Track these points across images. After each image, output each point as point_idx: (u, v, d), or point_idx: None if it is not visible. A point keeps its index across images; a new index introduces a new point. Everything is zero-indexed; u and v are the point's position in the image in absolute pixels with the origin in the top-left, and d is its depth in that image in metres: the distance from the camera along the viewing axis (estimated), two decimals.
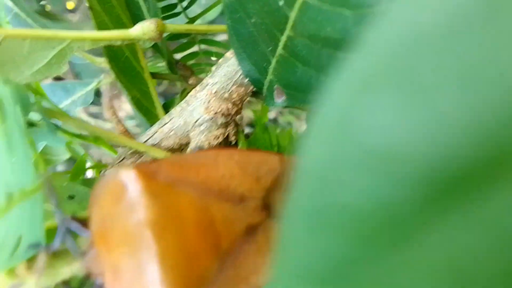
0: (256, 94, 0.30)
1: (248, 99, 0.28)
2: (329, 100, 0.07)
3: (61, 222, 0.17)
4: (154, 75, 0.33)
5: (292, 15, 0.20)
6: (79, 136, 0.29)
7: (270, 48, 0.24)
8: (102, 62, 0.38)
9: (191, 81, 0.32)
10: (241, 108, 0.28)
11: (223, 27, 0.29)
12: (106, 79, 0.39)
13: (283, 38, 0.22)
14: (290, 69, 0.23)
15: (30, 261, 0.17)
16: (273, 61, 0.24)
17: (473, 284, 0.06)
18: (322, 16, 0.19)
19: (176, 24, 0.31)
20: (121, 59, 0.30)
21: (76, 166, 0.25)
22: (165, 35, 0.35)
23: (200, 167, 0.17)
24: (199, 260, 0.15)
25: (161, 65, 0.37)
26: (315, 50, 0.21)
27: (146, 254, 0.14)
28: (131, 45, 0.31)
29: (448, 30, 0.06)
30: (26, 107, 0.23)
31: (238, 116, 0.28)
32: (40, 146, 0.31)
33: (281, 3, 0.20)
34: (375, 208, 0.06)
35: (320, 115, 0.07)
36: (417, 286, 0.06)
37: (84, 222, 0.17)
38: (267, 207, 0.17)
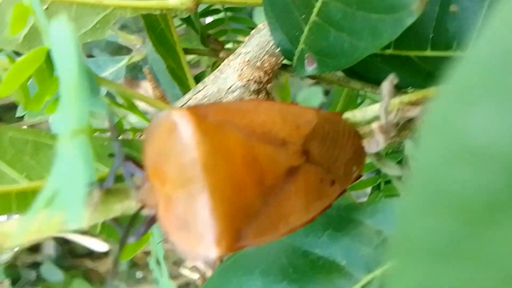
0: (285, 67, 0.31)
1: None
2: (437, 108, 0.08)
3: (118, 152, 0.18)
4: (185, 50, 0.34)
5: None
6: (115, 103, 0.30)
7: (304, 16, 0.25)
8: (134, 39, 0.39)
9: (221, 54, 0.33)
10: (271, 78, 0.29)
11: (257, 0, 0.31)
12: (136, 56, 0.41)
13: (318, 4, 0.24)
14: (323, 35, 0.25)
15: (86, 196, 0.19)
16: (306, 29, 0.26)
17: None
18: None
19: None
20: (157, 30, 0.31)
21: (116, 125, 0.27)
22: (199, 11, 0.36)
23: (244, 113, 0.18)
24: (245, 193, 0.16)
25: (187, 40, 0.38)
26: (349, 13, 0.22)
27: (198, 185, 0.16)
28: (165, 19, 0.33)
29: None
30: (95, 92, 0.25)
31: (269, 85, 0.29)
32: None
33: None
34: (478, 194, 0.08)
35: (430, 121, 0.08)
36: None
37: (138, 163, 0.19)
38: (306, 153, 0.18)
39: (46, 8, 0.25)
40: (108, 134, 0.27)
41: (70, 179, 0.19)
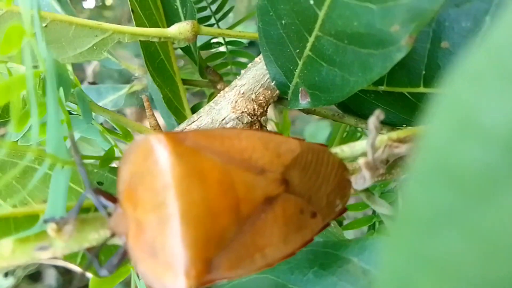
0: (280, 100, 0.31)
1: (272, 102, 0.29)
2: (451, 87, 0.09)
3: (85, 180, 0.18)
4: (184, 81, 0.34)
5: (322, 13, 0.21)
6: (110, 131, 0.30)
7: (298, 50, 0.25)
8: (136, 68, 0.40)
9: (219, 86, 0.33)
10: (266, 110, 0.29)
11: (253, 34, 0.31)
12: (137, 85, 0.41)
13: (311, 39, 0.24)
14: (315, 69, 0.25)
15: (60, 225, 0.18)
16: (300, 63, 0.26)
17: None
18: (349, 11, 0.20)
19: (210, 28, 0.33)
20: (156, 61, 0.31)
21: (106, 153, 0.27)
22: (198, 44, 0.36)
23: (224, 139, 0.18)
24: (220, 219, 0.16)
25: (189, 71, 0.39)
26: (341, 47, 0.22)
27: (169, 210, 0.15)
28: (166, 49, 0.33)
29: None
30: (67, 89, 0.25)
31: (263, 118, 0.29)
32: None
33: (311, 1, 0.21)
34: (480, 169, 0.08)
35: (443, 98, 0.09)
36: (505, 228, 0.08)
37: (108, 194, 0.18)
38: (285, 182, 0.18)
39: (45, 26, 0.25)
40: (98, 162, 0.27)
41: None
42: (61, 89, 0.22)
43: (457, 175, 0.08)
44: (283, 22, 0.24)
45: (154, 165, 0.16)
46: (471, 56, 0.08)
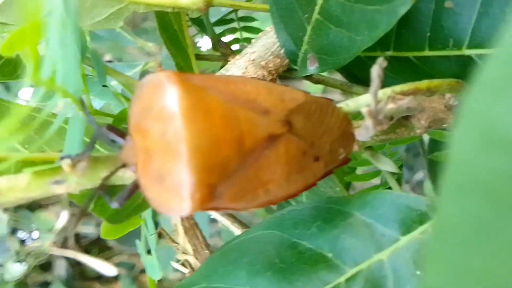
0: (288, 71, 0.31)
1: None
2: (470, 100, 0.09)
3: (97, 130, 0.19)
4: (197, 56, 0.35)
5: None
6: (123, 96, 0.32)
7: (307, 14, 0.26)
8: (151, 46, 0.41)
9: (230, 59, 0.34)
10: (275, 78, 0.30)
11: (265, 6, 0.32)
12: (152, 63, 0.42)
13: (320, 1, 0.24)
14: (324, 33, 0.25)
15: (75, 161, 0.19)
16: (309, 29, 0.26)
17: None
18: None
19: None
20: (170, 31, 0.32)
21: (119, 113, 0.28)
22: (212, 20, 0.37)
23: (230, 82, 0.18)
24: (223, 149, 0.16)
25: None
26: (348, 7, 0.23)
27: (175, 137, 0.16)
28: (179, 20, 0.34)
29: None
30: (83, 50, 0.26)
31: None
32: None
33: None
34: (507, 181, 0.08)
35: (463, 112, 0.09)
36: None
37: (120, 133, 0.19)
38: (289, 123, 0.19)
39: None
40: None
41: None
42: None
43: (487, 187, 0.08)
44: None
45: (163, 97, 0.17)
46: (488, 66, 0.09)
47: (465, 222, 0.09)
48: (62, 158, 0.19)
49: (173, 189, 0.16)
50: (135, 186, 0.19)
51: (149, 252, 0.28)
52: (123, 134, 0.19)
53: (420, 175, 0.68)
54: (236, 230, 0.33)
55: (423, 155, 0.43)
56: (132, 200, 0.25)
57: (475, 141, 0.09)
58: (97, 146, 0.26)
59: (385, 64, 0.19)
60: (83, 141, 0.21)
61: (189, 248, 0.30)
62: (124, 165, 0.18)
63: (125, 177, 0.20)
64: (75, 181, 0.20)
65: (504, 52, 0.09)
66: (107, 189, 0.20)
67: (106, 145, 0.19)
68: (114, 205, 0.19)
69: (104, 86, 0.29)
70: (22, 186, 0.19)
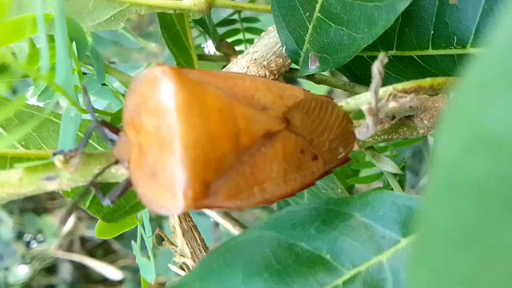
0: (290, 72, 0.31)
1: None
2: (457, 100, 0.09)
3: (92, 115, 0.18)
4: (199, 56, 0.35)
5: None
6: (123, 96, 0.31)
7: (308, 12, 0.25)
8: (154, 46, 0.41)
9: (232, 59, 0.34)
10: (277, 78, 0.29)
11: (267, 6, 0.31)
12: (154, 63, 0.42)
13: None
14: (324, 31, 0.25)
15: (67, 157, 0.19)
16: (310, 27, 0.26)
17: None
18: None
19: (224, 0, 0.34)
20: (172, 31, 0.32)
21: (118, 111, 0.27)
22: (215, 22, 0.37)
23: (228, 78, 0.18)
24: (219, 145, 0.16)
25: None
26: (348, 4, 0.22)
27: (170, 132, 0.16)
28: (182, 21, 0.34)
29: None
30: (82, 49, 0.26)
31: None
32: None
33: None
34: (495, 183, 0.08)
35: (450, 112, 0.09)
36: None
37: (114, 129, 0.19)
38: (286, 121, 0.18)
39: None
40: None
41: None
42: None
43: (473, 189, 0.08)
44: None
45: (158, 92, 0.16)
46: (475, 66, 0.08)
47: (451, 224, 0.09)
48: (55, 154, 0.19)
49: (166, 185, 0.16)
50: (128, 183, 0.18)
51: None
52: (117, 130, 0.18)
53: (425, 180, 0.67)
54: (237, 234, 0.32)
55: (428, 159, 0.42)
56: (127, 199, 0.24)
57: (461, 142, 0.08)
58: (95, 144, 0.26)
59: (386, 60, 0.19)
60: (77, 136, 0.21)
61: (187, 250, 0.29)
62: (117, 162, 0.18)
63: (118, 174, 0.20)
64: (68, 178, 0.19)
65: (491, 52, 0.08)
66: (100, 186, 0.19)
67: (104, 142, 0.19)
68: (106, 202, 0.18)
69: (104, 84, 0.29)
70: (14, 182, 0.19)
